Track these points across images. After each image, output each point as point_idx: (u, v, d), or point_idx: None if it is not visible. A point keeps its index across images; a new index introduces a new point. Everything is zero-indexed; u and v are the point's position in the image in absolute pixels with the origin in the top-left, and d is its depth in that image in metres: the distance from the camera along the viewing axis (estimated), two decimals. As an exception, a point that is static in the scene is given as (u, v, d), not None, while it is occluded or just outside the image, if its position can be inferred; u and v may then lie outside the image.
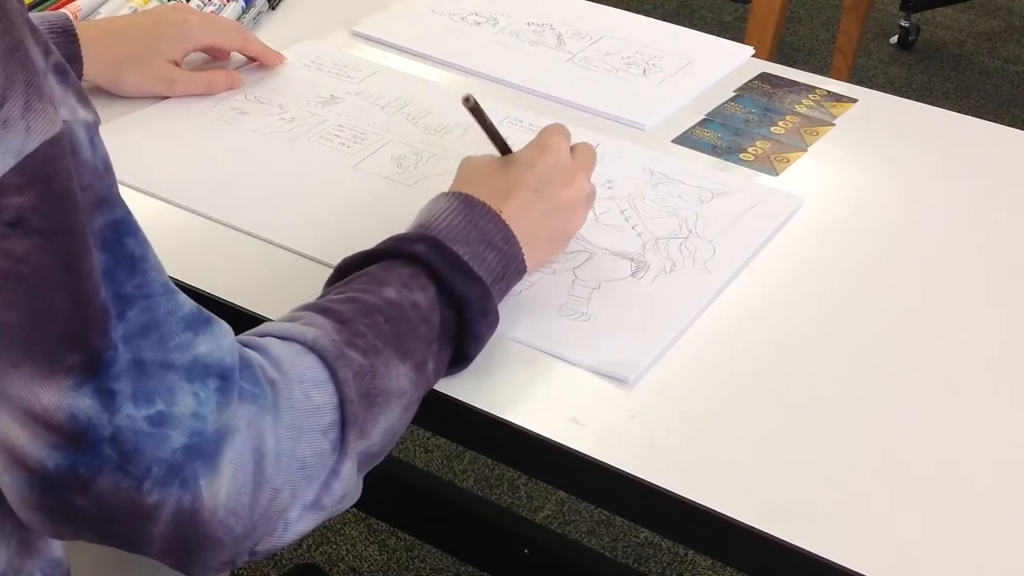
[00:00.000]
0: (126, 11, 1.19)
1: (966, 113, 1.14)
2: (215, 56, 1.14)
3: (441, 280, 0.75)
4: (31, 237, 0.53)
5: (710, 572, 1.67)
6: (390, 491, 1.34)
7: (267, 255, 0.90)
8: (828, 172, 1.04)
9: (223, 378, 0.60)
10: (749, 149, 1.05)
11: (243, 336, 0.67)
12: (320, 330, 0.68)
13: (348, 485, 0.67)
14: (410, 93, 1.11)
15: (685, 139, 1.07)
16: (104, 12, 1.18)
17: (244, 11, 1.21)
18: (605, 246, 0.91)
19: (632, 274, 0.88)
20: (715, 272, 0.89)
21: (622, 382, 0.79)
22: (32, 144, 0.53)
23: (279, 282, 0.87)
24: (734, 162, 1.03)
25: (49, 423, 0.56)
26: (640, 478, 0.72)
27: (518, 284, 0.84)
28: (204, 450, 0.59)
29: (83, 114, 0.57)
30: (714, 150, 1.05)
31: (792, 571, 0.70)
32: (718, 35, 1.27)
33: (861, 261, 0.92)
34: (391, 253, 0.76)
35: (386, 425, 0.69)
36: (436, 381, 0.75)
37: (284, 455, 0.62)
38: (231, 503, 0.60)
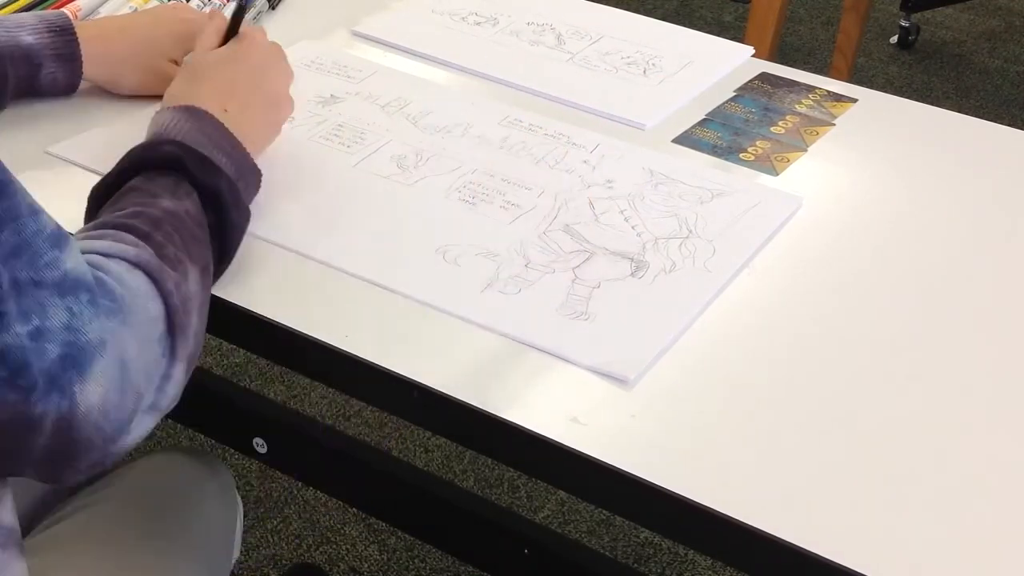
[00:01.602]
0: (126, 11, 1.19)
1: (966, 113, 1.14)
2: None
3: (198, 182, 0.79)
4: None
5: (710, 572, 1.67)
6: (390, 491, 1.34)
7: (267, 255, 0.90)
8: (828, 172, 1.04)
9: (90, 291, 0.64)
10: (749, 149, 1.05)
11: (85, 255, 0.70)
12: (133, 247, 0.72)
13: (178, 387, 0.72)
14: (410, 93, 1.11)
15: (685, 139, 1.06)
16: (104, 12, 1.18)
17: (244, 11, 1.21)
18: (605, 246, 0.91)
19: (632, 274, 0.88)
20: (715, 272, 0.89)
21: (622, 382, 0.79)
22: None
23: (279, 282, 0.87)
24: (734, 162, 1.03)
25: None
26: (640, 478, 0.72)
27: (517, 283, 0.84)
28: (77, 359, 0.63)
29: None
30: (714, 150, 1.05)
31: (792, 571, 0.70)
32: (718, 35, 1.27)
33: (861, 261, 0.92)
34: (142, 164, 0.80)
35: (197, 327, 0.74)
36: (212, 274, 0.80)
37: (138, 362, 0.67)
38: (104, 407, 0.64)
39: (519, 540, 1.21)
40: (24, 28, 1.01)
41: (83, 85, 1.06)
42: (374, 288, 0.87)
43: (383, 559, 1.69)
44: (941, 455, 0.75)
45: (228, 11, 1.20)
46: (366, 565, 1.68)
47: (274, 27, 1.23)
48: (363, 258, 0.89)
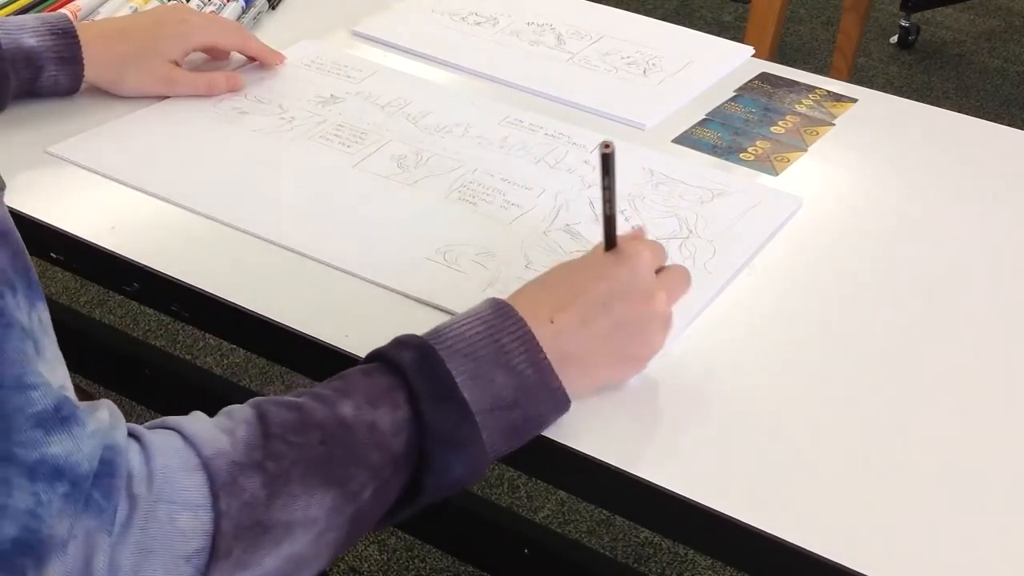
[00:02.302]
0: (126, 11, 1.19)
1: (966, 113, 1.14)
2: (215, 56, 1.14)
3: (417, 400, 0.66)
4: None
5: (710, 572, 1.67)
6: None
7: (267, 255, 0.90)
8: (828, 172, 1.04)
9: (74, 484, 0.57)
10: (749, 149, 1.05)
11: (154, 423, 0.64)
12: (225, 445, 0.62)
13: None
14: (410, 93, 1.11)
15: (685, 139, 1.07)
16: (104, 12, 1.18)
17: (244, 11, 1.21)
18: (605, 246, 0.91)
19: (632, 274, 0.88)
20: (715, 272, 0.89)
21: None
22: None
23: (279, 282, 0.87)
24: (734, 162, 1.03)
25: None
26: (640, 478, 0.72)
27: (517, 283, 0.79)
28: (35, 549, 0.56)
29: None
30: (714, 150, 1.05)
31: (792, 571, 0.70)
32: (718, 35, 1.27)
33: (861, 261, 0.92)
34: (379, 356, 0.69)
35: (287, 553, 0.62)
36: (387, 508, 0.68)
37: (119, 573, 0.58)
38: None
39: (519, 540, 1.21)
40: (26, 30, 1.01)
41: (84, 86, 1.06)
42: (374, 288, 0.87)
43: (383, 559, 1.69)
44: (941, 455, 0.75)
45: (228, 11, 1.20)
46: (366, 565, 1.68)
47: (274, 27, 1.23)
48: (363, 258, 0.89)
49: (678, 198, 0.97)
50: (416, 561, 1.68)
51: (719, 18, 3.17)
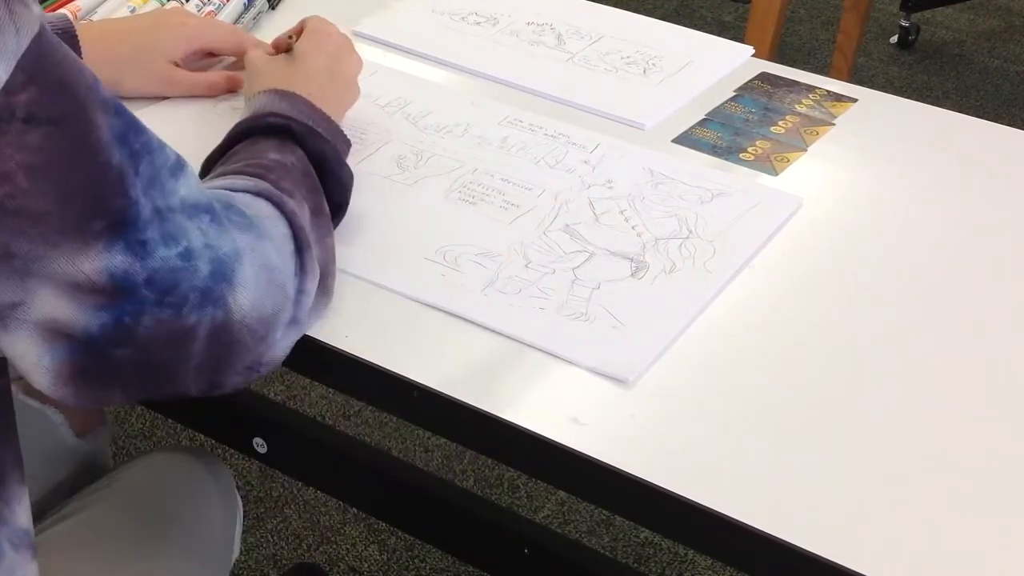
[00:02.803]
0: (125, 11, 1.19)
1: (966, 113, 1.14)
2: (213, 58, 1.14)
3: (302, 143, 0.85)
4: (41, 127, 0.59)
5: (710, 572, 1.67)
6: (390, 491, 1.34)
7: (267, 255, 0.90)
8: (828, 172, 1.04)
9: (208, 211, 0.69)
10: (749, 149, 1.05)
11: (208, 190, 0.74)
12: (251, 181, 0.78)
13: (311, 300, 0.77)
14: (410, 93, 1.11)
15: (685, 139, 1.07)
16: (102, 12, 1.18)
17: (244, 11, 1.21)
18: (605, 246, 0.91)
19: (632, 274, 0.88)
20: (715, 272, 0.89)
21: (622, 382, 0.79)
22: (24, 43, 0.58)
23: (279, 282, 0.87)
24: (734, 162, 1.03)
25: (92, 288, 0.64)
26: (640, 478, 0.72)
27: (517, 283, 0.85)
28: (224, 272, 0.69)
29: (37, 10, 0.61)
30: (714, 150, 1.05)
31: (792, 571, 0.70)
32: (718, 35, 1.27)
33: (861, 261, 0.92)
34: (248, 131, 0.86)
35: (320, 256, 0.79)
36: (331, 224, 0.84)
37: (280, 270, 0.73)
38: (255, 310, 0.71)
39: (519, 540, 1.21)
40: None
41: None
42: (374, 288, 0.87)
43: (383, 559, 1.69)
44: (941, 454, 0.75)
45: (228, 10, 1.20)
46: (366, 565, 1.68)
47: (274, 27, 1.23)
48: (363, 258, 0.89)
49: (678, 198, 0.97)
50: (416, 561, 1.68)
51: (719, 18, 3.17)
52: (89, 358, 0.66)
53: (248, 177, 0.79)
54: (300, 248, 0.76)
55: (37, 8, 0.60)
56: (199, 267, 0.67)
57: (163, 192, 0.66)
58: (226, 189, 0.77)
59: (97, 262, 0.63)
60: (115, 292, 0.64)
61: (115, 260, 0.64)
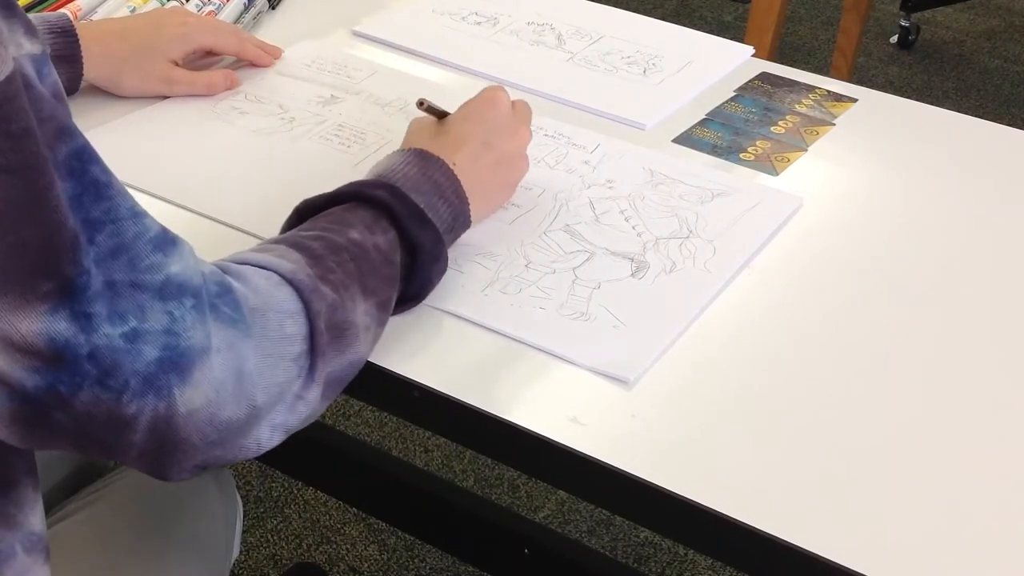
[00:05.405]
0: (125, 11, 1.19)
1: (966, 113, 1.14)
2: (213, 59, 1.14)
3: (400, 224, 0.79)
4: None
5: (710, 572, 1.67)
6: (390, 491, 1.34)
7: (267, 255, 0.90)
8: (828, 172, 1.04)
9: (195, 296, 0.64)
10: (749, 149, 1.05)
11: (222, 262, 0.71)
12: (295, 264, 0.72)
13: (312, 408, 0.72)
14: (410, 93, 1.11)
15: (685, 139, 1.07)
16: (102, 12, 1.18)
17: (244, 11, 1.21)
18: (605, 246, 0.91)
19: (632, 274, 0.88)
20: (715, 272, 0.89)
21: (622, 382, 0.79)
22: None
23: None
24: (734, 162, 1.03)
25: (28, 348, 0.59)
26: (640, 478, 0.72)
27: (517, 283, 0.85)
28: (177, 363, 0.62)
29: (29, 47, 0.58)
30: (714, 150, 1.05)
31: (792, 571, 0.70)
32: (718, 35, 1.27)
33: (861, 261, 0.92)
34: (354, 196, 0.81)
35: (351, 356, 0.74)
36: (391, 312, 0.80)
37: (260, 378, 0.67)
38: (208, 413, 0.64)
39: (519, 540, 1.21)
40: (25, 29, 1.01)
41: (83, 86, 1.06)
42: (374, 288, 0.87)
43: (383, 559, 1.69)
44: (941, 454, 0.75)
45: (228, 10, 1.20)
46: (366, 565, 1.68)
47: (274, 27, 1.23)
48: (363, 258, 0.89)
49: (678, 198, 0.97)
50: (416, 561, 1.68)
51: (719, 18, 3.17)
52: (26, 410, 0.62)
53: (299, 255, 0.73)
54: (314, 352, 0.70)
55: (14, 48, 0.57)
56: (143, 351, 0.61)
57: (134, 266, 0.62)
58: (256, 265, 0.71)
59: (37, 323, 0.59)
60: (53, 359, 0.60)
61: (59, 327, 0.59)
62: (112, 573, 0.93)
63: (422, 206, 0.81)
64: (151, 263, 0.62)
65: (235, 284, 0.68)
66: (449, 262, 0.85)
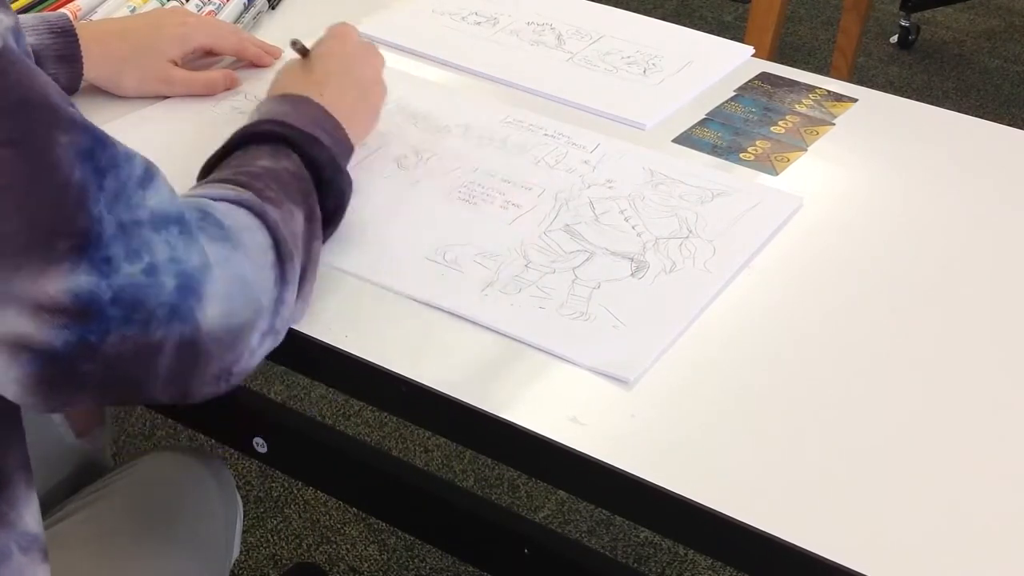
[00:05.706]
0: (125, 10, 1.19)
1: (966, 113, 1.14)
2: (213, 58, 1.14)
3: (299, 149, 0.85)
4: (1, 149, 0.59)
5: (710, 572, 1.67)
6: (390, 491, 1.33)
7: (267, 255, 0.90)
8: (828, 172, 1.04)
9: (178, 222, 0.68)
10: (749, 149, 1.05)
11: (184, 198, 0.74)
12: (235, 190, 0.77)
13: (290, 311, 0.77)
14: (410, 93, 1.11)
15: (685, 139, 1.06)
16: (102, 12, 1.18)
17: (244, 11, 1.21)
18: (605, 246, 0.91)
19: (632, 274, 0.88)
20: (715, 272, 0.89)
21: (622, 382, 0.79)
22: None
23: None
24: (734, 162, 1.03)
25: (56, 308, 0.62)
26: (640, 478, 0.72)
27: (517, 283, 0.84)
28: (191, 286, 0.67)
29: (7, 20, 0.60)
30: (714, 150, 1.05)
31: (792, 571, 0.70)
32: (718, 35, 1.27)
33: (861, 261, 0.92)
34: (247, 139, 0.85)
35: (305, 263, 0.79)
36: (323, 233, 0.85)
37: (256, 282, 0.72)
38: (225, 323, 0.69)
39: (519, 540, 1.20)
40: (26, 29, 1.01)
41: (83, 86, 1.06)
42: (374, 288, 0.87)
43: (383, 559, 1.69)
44: (941, 454, 0.75)
45: (228, 10, 1.20)
46: (366, 565, 1.68)
47: (274, 27, 1.23)
48: (363, 258, 0.89)
49: (678, 198, 0.97)
50: (416, 561, 1.68)
51: (719, 18, 3.17)
52: (54, 370, 0.65)
53: (233, 186, 0.78)
54: (281, 259, 0.75)
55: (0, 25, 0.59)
56: (164, 282, 0.66)
57: (129, 205, 0.65)
58: (207, 197, 0.76)
59: (61, 283, 0.62)
60: (80, 313, 0.63)
61: (80, 280, 0.62)
62: (112, 573, 0.93)
63: (309, 132, 0.86)
64: (137, 199, 0.65)
65: (212, 204, 0.73)
66: (443, 257, 0.86)
